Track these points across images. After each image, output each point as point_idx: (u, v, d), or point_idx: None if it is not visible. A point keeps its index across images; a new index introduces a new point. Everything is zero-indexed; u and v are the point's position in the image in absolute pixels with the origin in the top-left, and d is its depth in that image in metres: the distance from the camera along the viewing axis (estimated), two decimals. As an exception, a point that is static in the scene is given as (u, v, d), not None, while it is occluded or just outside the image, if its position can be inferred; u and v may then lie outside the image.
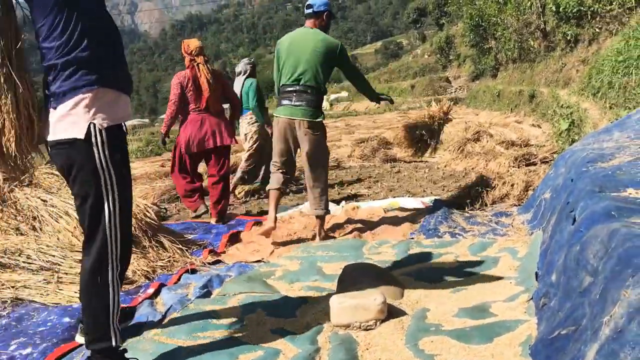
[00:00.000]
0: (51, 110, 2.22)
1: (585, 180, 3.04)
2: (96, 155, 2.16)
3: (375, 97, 4.83)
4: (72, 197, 2.33)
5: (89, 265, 2.23)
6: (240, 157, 7.43)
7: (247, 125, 6.82)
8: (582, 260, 2.22)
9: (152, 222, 4.10)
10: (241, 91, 6.67)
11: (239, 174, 6.85)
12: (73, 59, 2.16)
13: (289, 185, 6.34)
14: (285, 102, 4.36)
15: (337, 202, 5.80)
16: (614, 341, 1.49)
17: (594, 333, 1.68)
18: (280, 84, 4.43)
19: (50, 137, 2.22)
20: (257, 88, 6.69)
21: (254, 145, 6.79)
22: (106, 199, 2.18)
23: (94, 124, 2.16)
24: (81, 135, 2.15)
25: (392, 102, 5.16)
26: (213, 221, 5.30)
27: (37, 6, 2.15)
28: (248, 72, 6.83)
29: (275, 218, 4.54)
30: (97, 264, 2.21)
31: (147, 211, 4.12)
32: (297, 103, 4.29)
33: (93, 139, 2.15)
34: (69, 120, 2.18)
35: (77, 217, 2.66)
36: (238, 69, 6.96)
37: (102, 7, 2.29)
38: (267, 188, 4.67)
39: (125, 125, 2.37)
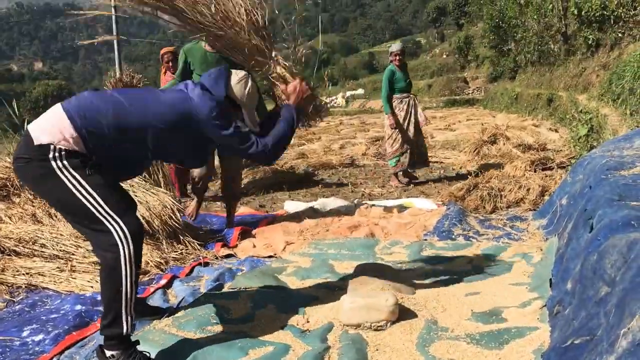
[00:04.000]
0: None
1: (604, 187, 3.00)
2: (54, 165, 2.18)
3: None
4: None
5: (98, 252, 2.30)
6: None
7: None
8: (599, 270, 2.19)
9: (177, 226, 4.05)
10: None
11: None
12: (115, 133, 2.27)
13: None
14: None
15: (351, 200, 5.78)
16: (631, 355, 1.46)
17: (610, 345, 1.65)
18: None
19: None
20: (385, 77, 6.88)
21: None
22: (82, 197, 2.19)
23: (56, 146, 2.19)
24: (37, 142, 2.18)
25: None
26: None
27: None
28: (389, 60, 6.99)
29: None
30: (106, 249, 2.24)
31: (174, 213, 4.07)
32: None
33: (50, 155, 2.17)
34: (48, 124, 2.23)
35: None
36: None
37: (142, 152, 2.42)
38: None
39: None
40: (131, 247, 2.22)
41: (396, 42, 7.32)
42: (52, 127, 2.21)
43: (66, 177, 2.18)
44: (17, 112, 6.69)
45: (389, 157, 6.98)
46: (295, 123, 2.67)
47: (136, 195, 3.90)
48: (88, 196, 2.19)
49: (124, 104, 2.32)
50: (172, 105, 2.39)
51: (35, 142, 2.18)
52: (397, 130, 6.79)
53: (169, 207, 4.05)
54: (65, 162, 2.18)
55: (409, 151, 6.80)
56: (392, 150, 6.88)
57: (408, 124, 6.83)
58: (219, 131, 2.42)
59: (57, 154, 2.17)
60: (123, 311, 2.23)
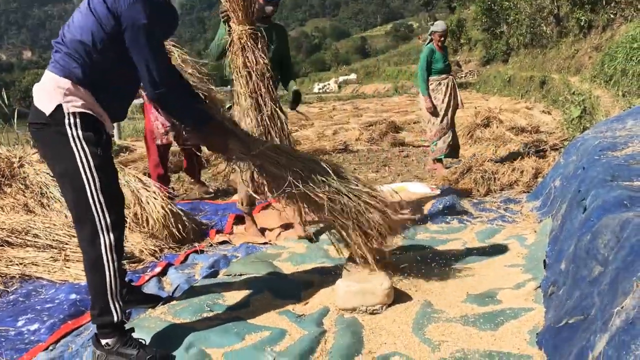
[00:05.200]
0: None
1: (597, 168, 3.01)
2: (69, 133, 2.17)
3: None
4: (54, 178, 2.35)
5: (81, 243, 2.28)
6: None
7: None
8: (593, 250, 2.20)
9: (174, 233, 3.94)
10: None
11: None
12: (96, 60, 2.22)
13: None
14: None
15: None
16: (625, 332, 1.47)
17: (604, 323, 1.66)
18: None
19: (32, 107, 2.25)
20: (424, 55, 6.40)
21: None
22: (84, 175, 2.18)
23: (66, 108, 2.17)
24: (47, 111, 2.17)
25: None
26: None
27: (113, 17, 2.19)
28: (428, 39, 6.54)
29: None
30: (88, 240, 2.22)
31: (170, 222, 3.94)
32: None
33: (66, 120, 2.17)
34: (45, 92, 2.21)
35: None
36: None
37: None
38: None
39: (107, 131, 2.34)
40: (112, 237, 2.22)
41: (439, 21, 6.78)
42: (49, 89, 2.20)
43: (77, 150, 2.17)
44: (6, 101, 6.62)
45: (430, 141, 6.59)
46: (195, 120, 2.46)
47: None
48: (90, 176, 2.18)
49: (76, 29, 2.24)
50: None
51: (47, 113, 2.17)
52: (434, 113, 6.37)
53: (168, 217, 3.91)
54: (80, 132, 2.17)
55: (448, 136, 6.38)
56: (431, 135, 6.49)
57: (447, 107, 6.35)
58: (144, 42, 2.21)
59: (71, 120, 2.17)
60: (109, 299, 2.23)
